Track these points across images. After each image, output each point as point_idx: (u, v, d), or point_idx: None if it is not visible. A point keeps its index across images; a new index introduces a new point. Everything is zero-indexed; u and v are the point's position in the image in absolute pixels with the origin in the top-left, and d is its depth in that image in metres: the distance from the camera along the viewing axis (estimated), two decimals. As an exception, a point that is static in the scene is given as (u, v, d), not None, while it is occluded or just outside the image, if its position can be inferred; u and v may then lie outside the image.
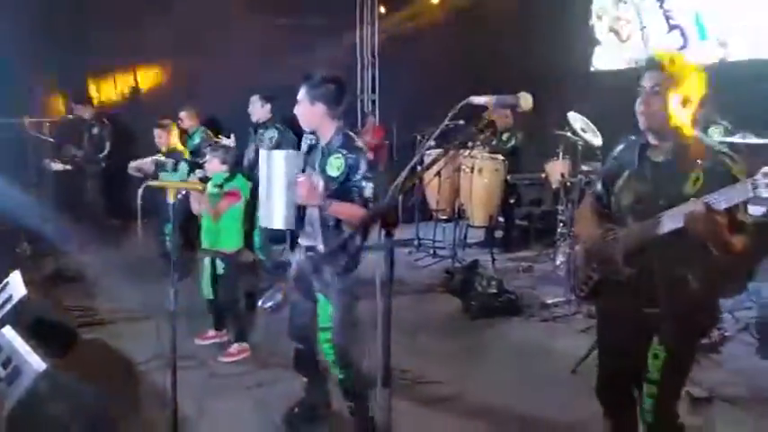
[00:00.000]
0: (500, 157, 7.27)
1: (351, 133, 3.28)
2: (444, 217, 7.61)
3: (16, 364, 3.03)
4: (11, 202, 6.01)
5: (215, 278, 4.60)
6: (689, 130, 2.42)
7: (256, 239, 5.71)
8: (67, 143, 7.27)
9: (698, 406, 3.58)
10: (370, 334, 2.61)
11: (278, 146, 5.62)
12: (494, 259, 6.76)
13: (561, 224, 6.44)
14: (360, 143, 3.25)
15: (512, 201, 7.58)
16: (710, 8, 6.91)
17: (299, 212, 3.25)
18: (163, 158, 5.90)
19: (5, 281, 4.16)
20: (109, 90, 8.03)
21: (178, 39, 8.33)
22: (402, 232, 7.68)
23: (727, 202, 2.08)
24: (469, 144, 7.23)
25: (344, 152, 3.16)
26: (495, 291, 5.43)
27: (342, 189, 3.14)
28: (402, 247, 7.42)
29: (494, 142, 7.51)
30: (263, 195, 3.26)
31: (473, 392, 3.98)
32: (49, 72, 7.13)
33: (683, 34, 7.25)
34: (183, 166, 5.85)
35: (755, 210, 2.85)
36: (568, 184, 6.23)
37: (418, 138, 8.05)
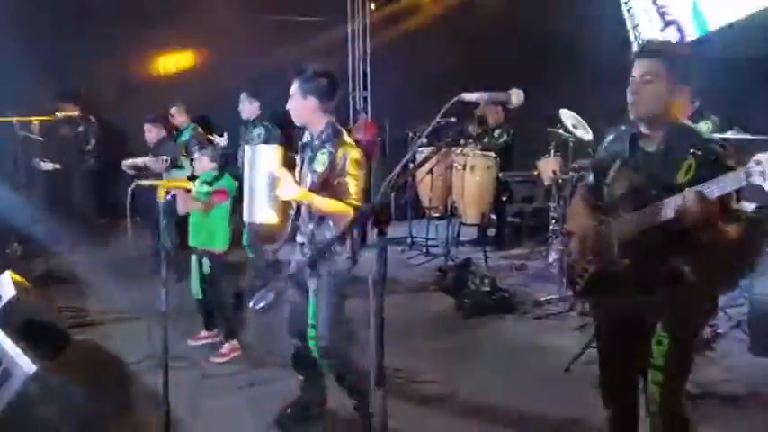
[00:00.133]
0: (492, 154, 7.27)
1: (339, 127, 3.27)
2: (437, 215, 7.60)
3: (6, 366, 3.00)
4: (1, 202, 5.96)
5: (203, 277, 4.58)
6: (680, 119, 2.42)
7: (244, 237, 5.69)
8: (56, 142, 7.21)
9: (691, 403, 3.58)
10: (362, 333, 2.61)
11: (265, 142, 5.60)
12: (486, 257, 6.76)
13: (553, 221, 6.44)
14: (347, 137, 3.24)
15: (504, 198, 7.59)
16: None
17: (297, 210, 3.25)
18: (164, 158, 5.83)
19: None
20: (96, 88, 7.95)
21: (168, 36, 8.31)
22: (395, 230, 7.68)
23: (720, 190, 2.07)
24: (461, 141, 7.24)
25: (329, 146, 3.16)
26: (488, 289, 5.43)
27: (326, 184, 3.13)
28: (395, 245, 7.43)
29: (485, 139, 7.52)
30: (247, 190, 3.25)
31: (466, 391, 3.97)
32: (36, 70, 7.06)
33: (679, 29, 7.24)
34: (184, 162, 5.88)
35: (747, 206, 2.85)
36: (560, 181, 6.24)
37: (410, 135, 8.03)
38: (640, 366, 2.53)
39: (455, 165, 7.19)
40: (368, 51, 10.04)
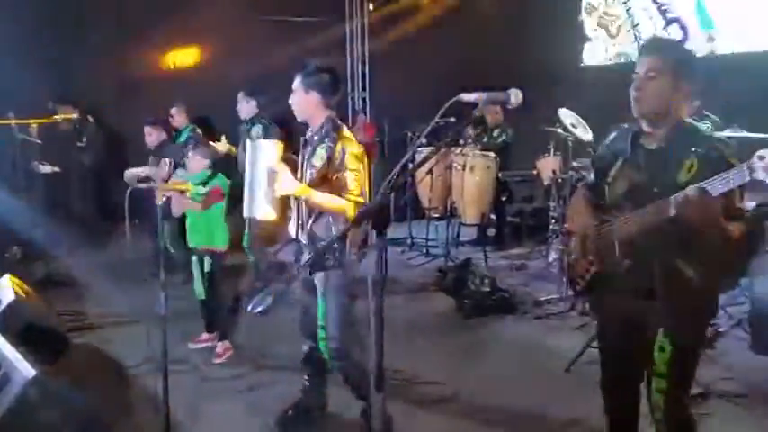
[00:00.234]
0: (491, 154, 7.26)
1: (339, 122, 3.26)
2: (436, 215, 7.60)
3: (5, 371, 2.98)
4: (0, 205, 5.95)
5: (205, 277, 4.57)
6: (682, 117, 2.40)
7: (244, 240, 5.68)
8: (54, 145, 7.20)
9: (693, 402, 3.57)
10: (363, 334, 2.59)
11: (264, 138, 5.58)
12: (486, 257, 6.76)
13: (553, 221, 6.43)
14: (347, 132, 3.23)
15: (503, 198, 7.58)
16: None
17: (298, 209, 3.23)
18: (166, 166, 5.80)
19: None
20: (95, 89, 7.94)
21: (167, 37, 8.30)
22: (394, 231, 7.67)
23: (723, 186, 2.05)
24: (461, 141, 7.24)
25: (328, 140, 3.15)
26: (488, 289, 5.42)
27: (325, 179, 3.12)
28: (395, 246, 7.42)
29: (484, 139, 7.52)
30: (247, 185, 3.25)
31: (468, 391, 3.96)
32: (34, 72, 7.05)
33: (682, 27, 7.19)
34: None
35: (747, 204, 2.84)
36: (560, 180, 6.23)
37: (409, 135, 8.03)
38: (642, 367, 2.52)
39: (454, 165, 7.18)
40: (366, 52, 10.03)
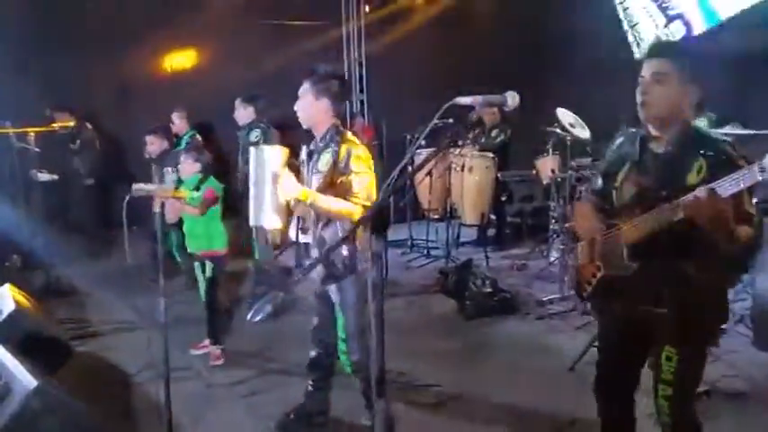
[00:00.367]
0: (490, 154, 7.26)
1: (342, 128, 3.23)
2: (436, 216, 7.59)
3: (6, 381, 2.97)
4: (-1, 214, 5.96)
5: (207, 281, 4.57)
6: (690, 120, 2.38)
7: (255, 251, 5.66)
8: (52, 153, 7.19)
9: (696, 400, 3.56)
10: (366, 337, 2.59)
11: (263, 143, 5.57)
12: (487, 257, 6.75)
13: (553, 220, 6.43)
14: (350, 135, 3.20)
15: (503, 198, 7.58)
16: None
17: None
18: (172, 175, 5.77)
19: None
20: (94, 96, 7.93)
21: (165, 41, 8.29)
22: (394, 233, 7.67)
23: (734, 187, 2.01)
24: (459, 142, 7.23)
25: (333, 145, 3.12)
26: (489, 290, 5.41)
27: (331, 183, 3.08)
28: (395, 247, 7.41)
29: (483, 140, 7.51)
30: (253, 192, 3.17)
31: (470, 393, 3.95)
32: (32, 80, 7.05)
33: (685, 23, 7.12)
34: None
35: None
36: (559, 179, 6.23)
37: (408, 137, 8.02)
38: (638, 373, 2.55)
39: (453, 166, 7.17)
40: (363, 54, 10.02)
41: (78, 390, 3.37)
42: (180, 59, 8.70)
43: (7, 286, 4.26)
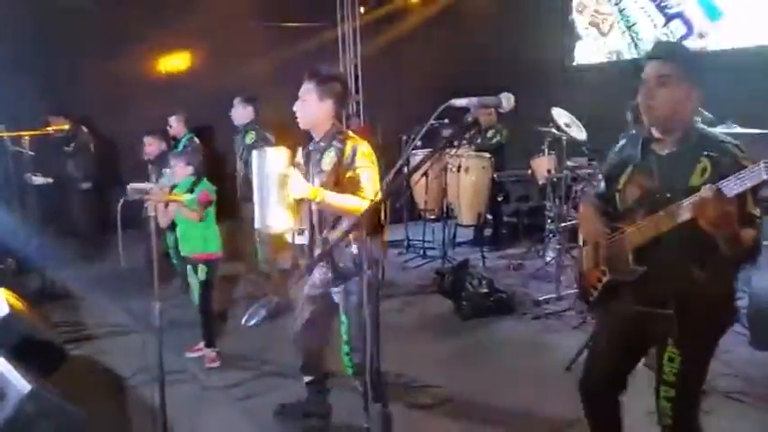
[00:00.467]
0: (486, 154, 7.26)
1: (342, 128, 3.22)
2: (433, 217, 7.59)
3: (0, 385, 2.95)
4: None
5: (201, 284, 4.55)
6: (693, 121, 2.36)
7: (259, 255, 5.64)
8: (47, 157, 7.16)
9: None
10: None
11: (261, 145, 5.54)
12: (484, 258, 6.74)
13: (549, 220, 6.43)
14: (351, 133, 3.19)
15: (499, 198, 7.58)
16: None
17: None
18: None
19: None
20: (90, 99, 7.90)
21: (162, 43, 8.27)
22: (391, 233, 7.64)
23: (738, 186, 1.99)
24: (455, 143, 7.23)
25: (336, 143, 3.11)
26: (486, 290, 5.40)
27: (337, 181, 3.05)
28: (392, 248, 7.39)
29: (478, 140, 7.51)
30: (257, 196, 3.09)
31: (468, 393, 3.95)
32: (25, 83, 7.02)
33: (685, 22, 7.06)
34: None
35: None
36: (555, 179, 6.23)
37: (404, 138, 8.02)
38: (627, 377, 2.57)
39: (449, 166, 7.18)
40: (359, 55, 10.02)
41: (73, 393, 3.35)
42: (175, 62, 8.69)
43: (1, 290, 4.23)
